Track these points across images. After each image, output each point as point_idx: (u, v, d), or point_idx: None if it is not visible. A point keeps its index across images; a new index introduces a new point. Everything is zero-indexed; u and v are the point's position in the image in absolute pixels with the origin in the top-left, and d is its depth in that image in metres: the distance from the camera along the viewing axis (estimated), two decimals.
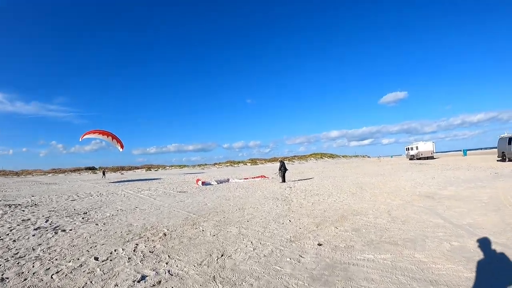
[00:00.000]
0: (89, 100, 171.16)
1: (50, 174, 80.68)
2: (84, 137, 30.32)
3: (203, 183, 19.26)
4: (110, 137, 30.81)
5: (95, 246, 5.87)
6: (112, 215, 9.47)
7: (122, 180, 33.91)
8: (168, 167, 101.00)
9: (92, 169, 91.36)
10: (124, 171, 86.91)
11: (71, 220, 8.82)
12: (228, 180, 21.86)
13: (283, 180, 18.45)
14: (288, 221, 7.04)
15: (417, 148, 50.31)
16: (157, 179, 32.82)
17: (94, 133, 30.37)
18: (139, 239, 6.29)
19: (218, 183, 19.97)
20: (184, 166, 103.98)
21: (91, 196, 15.44)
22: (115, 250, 5.50)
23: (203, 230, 6.61)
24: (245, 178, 23.04)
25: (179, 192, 15.43)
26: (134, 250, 5.45)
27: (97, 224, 8.04)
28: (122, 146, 31.41)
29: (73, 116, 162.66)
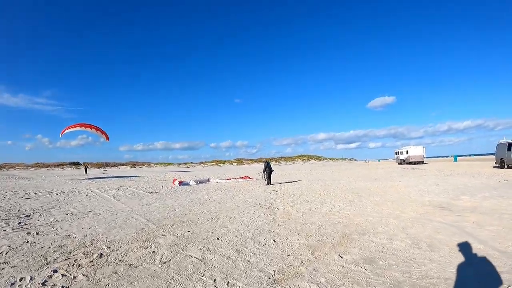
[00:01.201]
0: (77, 95, 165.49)
1: (33, 168, 77.43)
2: (65, 131, 27.93)
3: (180, 183, 17.25)
4: (93, 129, 28.67)
5: (2, 268, 4.10)
6: (56, 220, 7.51)
7: (100, 176, 31.54)
8: (153, 165, 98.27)
9: (76, 164, 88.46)
10: (108, 168, 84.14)
11: (4, 225, 6.98)
12: (208, 180, 19.90)
13: (269, 182, 16.63)
14: (272, 241, 5.16)
15: (407, 152, 49.25)
16: (136, 176, 30.64)
17: (75, 126, 28.10)
18: (64, 261, 4.39)
19: (197, 184, 18.00)
20: (170, 164, 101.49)
21: (51, 194, 13.27)
22: (21, 279, 3.75)
23: (154, 252, 4.70)
24: (227, 179, 21.10)
25: (150, 193, 13.41)
26: (43, 283, 3.58)
27: (29, 233, 6.18)
28: (107, 137, 29.35)
29: (61, 110, 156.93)
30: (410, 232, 5.65)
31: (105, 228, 6.56)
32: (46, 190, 14.93)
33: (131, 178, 27.38)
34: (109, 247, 5.01)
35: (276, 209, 8.50)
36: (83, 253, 4.73)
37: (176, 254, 4.54)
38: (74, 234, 6.03)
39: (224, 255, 4.44)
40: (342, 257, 4.25)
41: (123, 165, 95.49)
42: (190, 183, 17.87)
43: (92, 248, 5.02)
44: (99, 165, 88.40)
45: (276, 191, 13.11)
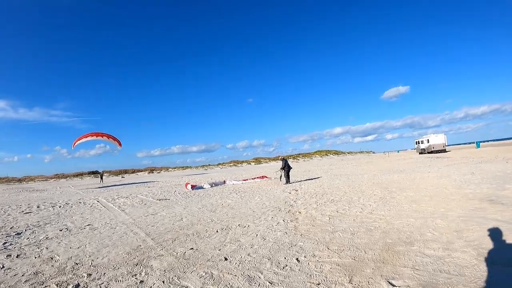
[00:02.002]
0: (92, 105, 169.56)
1: (52, 180, 79.10)
2: (77, 143, 27.81)
3: (193, 187, 16.33)
4: (105, 137, 28.44)
5: None
6: (46, 238, 6.66)
7: (115, 184, 31.17)
8: (171, 169, 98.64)
9: (95, 173, 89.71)
10: (127, 175, 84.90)
11: None
12: (224, 182, 18.91)
13: (287, 181, 15.48)
14: (295, 260, 4.04)
15: (428, 141, 47.05)
16: (151, 182, 30.08)
17: (86, 136, 27.93)
18: None
19: (211, 187, 17.04)
20: (187, 167, 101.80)
21: (54, 207, 12.58)
22: None
23: (141, 282, 3.69)
24: (243, 180, 20.04)
25: (159, 200, 12.52)
26: None
27: (9, 256, 5.38)
28: (119, 144, 29.19)
29: (77, 121, 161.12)
30: (469, 237, 4.41)
31: (96, 246, 5.63)
32: (51, 203, 14.30)
33: (146, 184, 26.78)
34: (90, 274, 4.04)
35: (297, 213, 7.36)
36: (57, 284, 3.77)
37: (169, 286, 3.50)
38: (58, 256, 5.11)
39: (232, 286, 3.35)
40: (393, 285, 3.08)
41: (141, 171, 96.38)
42: (204, 187, 16.94)
43: (71, 276, 4.07)
44: (118, 173, 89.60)
45: (296, 191, 11.96)
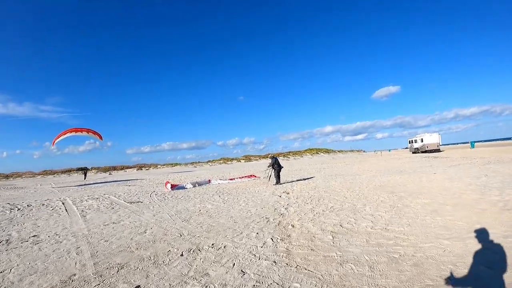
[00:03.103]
0: (82, 100, 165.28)
1: (39, 177, 76.37)
2: (56, 141, 26.00)
3: (173, 187, 14.63)
4: (84, 132, 26.73)
5: None
6: None
7: (97, 182, 29.21)
8: (160, 166, 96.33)
9: (83, 169, 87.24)
10: (115, 172, 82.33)
11: None
12: (209, 181, 17.24)
13: (278, 182, 13.93)
14: None
15: (422, 140, 46.21)
16: (134, 180, 28.20)
17: (65, 133, 26.16)
18: None
19: (193, 186, 15.38)
20: (177, 164, 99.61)
21: (12, 209, 10.70)
22: None
23: None
24: (230, 179, 18.35)
25: (131, 203, 10.82)
26: None
27: None
28: (100, 137, 27.51)
29: (67, 117, 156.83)
30: None
31: (22, 271, 4.11)
32: (14, 204, 12.47)
33: (128, 182, 24.93)
34: None
35: (290, 226, 5.78)
36: None
37: None
38: None
39: None
40: None
41: (130, 168, 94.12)
42: (186, 186, 15.27)
43: None
44: (106, 169, 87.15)
45: (288, 194, 10.42)
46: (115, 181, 28.80)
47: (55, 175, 77.27)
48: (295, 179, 16.11)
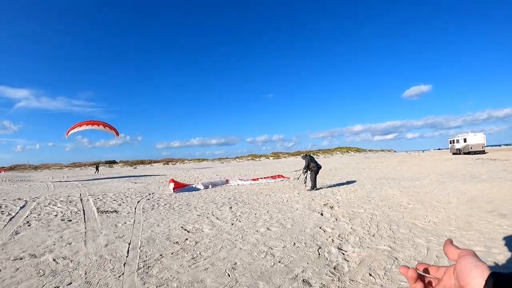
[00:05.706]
0: (114, 95, 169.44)
1: (67, 169, 78.10)
2: (71, 132, 24.26)
3: (177, 188, 11.39)
4: (101, 126, 24.79)
5: None
6: None
7: (107, 177, 27.05)
8: (187, 161, 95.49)
9: (111, 163, 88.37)
10: (142, 165, 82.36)
11: None
12: (226, 181, 13.93)
13: (314, 186, 10.31)
14: None
15: (465, 140, 40.87)
16: (151, 176, 25.66)
17: (81, 125, 24.36)
18: None
19: (205, 188, 12.11)
20: (203, 160, 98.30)
21: None
22: None
23: None
24: (253, 179, 14.84)
25: (104, 212, 7.68)
26: None
27: None
28: (117, 133, 25.80)
29: (99, 111, 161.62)
30: None
31: None
32: None
33: (139, 178, 22.33)
34: None
35: None
36: None
37: None
38: None
39: None
40: None
41: (157, 162, 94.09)
42: (197, 187, 12.05)
43: None
44: (133, 163, 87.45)
45: (332, 209, 6.81)
46: (128, 176, 26.51)
47: (82, 167, 78.38)
48: (333, 183, 12.40)
